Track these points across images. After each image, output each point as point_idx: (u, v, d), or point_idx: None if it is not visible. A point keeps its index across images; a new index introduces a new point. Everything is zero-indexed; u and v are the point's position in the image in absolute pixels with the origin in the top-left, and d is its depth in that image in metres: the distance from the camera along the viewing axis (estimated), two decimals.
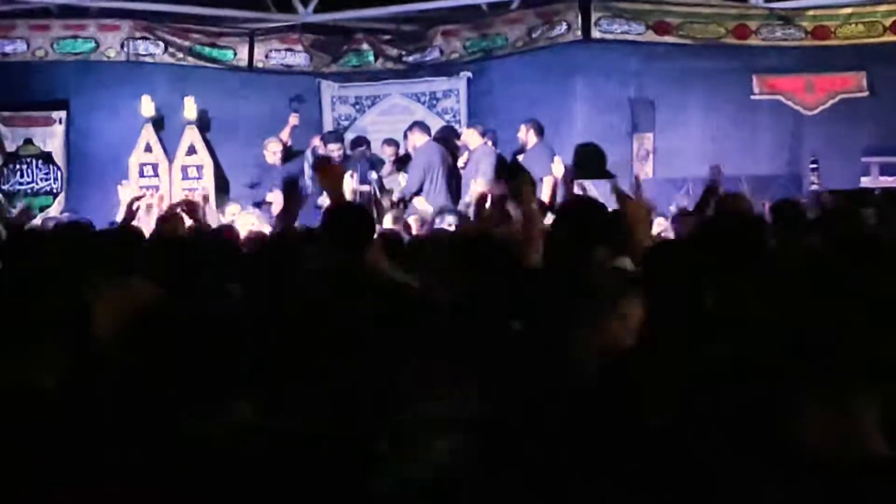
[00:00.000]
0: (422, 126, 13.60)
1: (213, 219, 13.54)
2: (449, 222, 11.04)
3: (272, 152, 13.97)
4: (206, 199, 12.74)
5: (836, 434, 2.38)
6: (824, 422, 2.38)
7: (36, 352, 3.29)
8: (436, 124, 14.56)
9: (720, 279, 4.49)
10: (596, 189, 11.79)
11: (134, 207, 8.66)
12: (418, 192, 12.86)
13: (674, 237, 8.35)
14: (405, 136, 13.73)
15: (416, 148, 13.25)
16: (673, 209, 10.41)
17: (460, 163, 13.17)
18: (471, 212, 10.08)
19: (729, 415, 2.59)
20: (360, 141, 14.30)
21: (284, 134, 14.34)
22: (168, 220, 9.11)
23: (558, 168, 12.04)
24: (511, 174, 11.54)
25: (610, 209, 6.33)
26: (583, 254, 5.16)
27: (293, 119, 14.51)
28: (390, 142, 14.29)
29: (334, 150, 13.77)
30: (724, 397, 2.72)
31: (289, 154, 14.19)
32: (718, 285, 4.45)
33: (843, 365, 2.41)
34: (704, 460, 2.56)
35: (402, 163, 13.95)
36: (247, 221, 10.67)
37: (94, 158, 14.52)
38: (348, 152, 13.93)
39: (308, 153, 14.07)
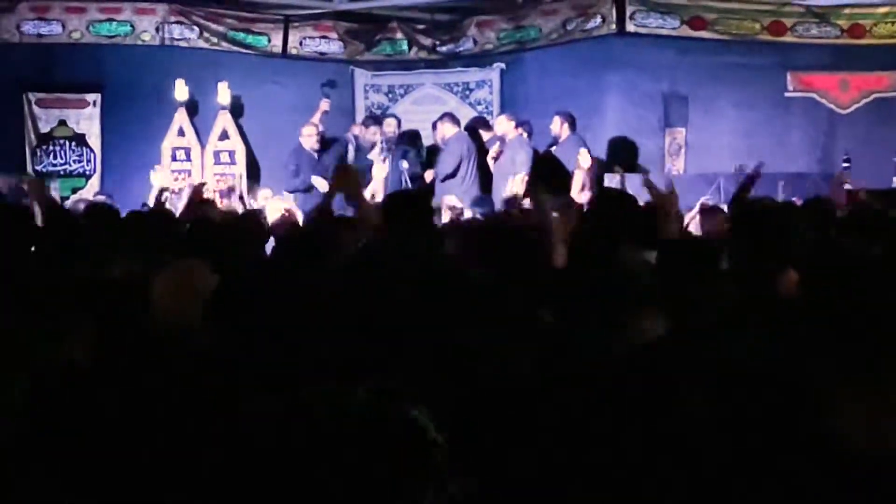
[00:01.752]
0: (451, 117, 13.56)
1: (244, 204, 13.64)
2: (479, 214, 11.05)
3: (308, 136, 13.96)
4: (232, 189, 12.80)
5: (870, 427, 2.38)
6: (859, 415, 2.38)
7: (69, 329, 3.31)
8: (468, 115, 14.58)
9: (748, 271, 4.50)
10: (630, 181, 11.78)
11: (163, 199, 8.71)
12: (452, 176, 12.82)
13: (700, 232, 8.37)
14: (434, 127, 13.69)
15: (447, 138, 13.19)
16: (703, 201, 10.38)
17: (492, 153, 13.13)
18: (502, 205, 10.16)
19: (763, 407, 2.60)
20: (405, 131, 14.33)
21: (315, 119, 14.30)
22: (201, 204, 9.16)
23: (585, 160, 12.08)
24: (534, 179, 11.51)
25: (641, 202, 6.36)
26: (609, 251, 5.16)
27: (324, 104, 14.48)
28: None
29: (374, 134, 13.79)
30: (757, 390, 2.72)
31: (323, 140, 14.16)
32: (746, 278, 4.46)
33: (879, 359, 2.40)
34: (739, 451, 2.57)
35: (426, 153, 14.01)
36: (277, 207, 10.66)
37: (127, 141, 14.55)
38: (382, 138, 13.90)
39: (350, 136, 14.07)
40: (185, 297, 3.79)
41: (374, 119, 14.34)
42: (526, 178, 12.46)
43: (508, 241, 5.27)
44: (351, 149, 13.91)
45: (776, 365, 2.82)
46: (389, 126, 13.98)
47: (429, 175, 13.26)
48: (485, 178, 13.14)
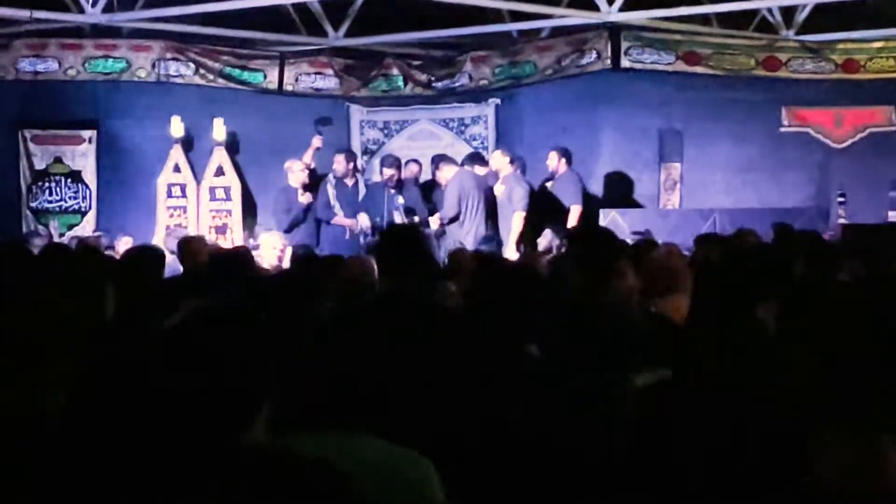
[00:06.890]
0: (445, 158, 13.44)
1: (240, 240, 13.61)
2: (484, 249, 11.06)
3: (295, 172, 13.85)
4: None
5: (857, 470, 2.36)
6: (846, 457, 2.36)
7: (47, 368, 3.29)
8: (463, 150, 14.49)
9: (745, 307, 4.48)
10: (623, 219, 11.80)
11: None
12: (455, 218, 12.70)
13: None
14: (434, 171, 13.50)
15: (448, 180, 13.01)
16: None
17: (496, 189, 12.95)
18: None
19: (749, 446, 2.58)
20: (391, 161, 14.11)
21: (307, 156, 14.20)
22: (191, 242, 9.13)
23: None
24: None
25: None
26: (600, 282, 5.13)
27: (316, 141, 14.35)
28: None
29: (393, 175, 13.48)
30: (744, 428, 2.70)
31: (314, 176, 14.08)
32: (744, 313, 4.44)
33: (870, 401, 2.39)
34: (726, 490, 2.55)
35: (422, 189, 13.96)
36: (272, 242, 10.60)
37: (123, 178, 14.54)
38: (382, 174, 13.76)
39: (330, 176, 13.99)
40: None
41: (391, 158, 13.88)
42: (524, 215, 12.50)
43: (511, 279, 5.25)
44: (329, 187, 13.77)
45: (768, 403, 2.81)
46: (411, 171, 13.99)
47: (434, 220, 12.99)
48: (494, 213, 12.97)
